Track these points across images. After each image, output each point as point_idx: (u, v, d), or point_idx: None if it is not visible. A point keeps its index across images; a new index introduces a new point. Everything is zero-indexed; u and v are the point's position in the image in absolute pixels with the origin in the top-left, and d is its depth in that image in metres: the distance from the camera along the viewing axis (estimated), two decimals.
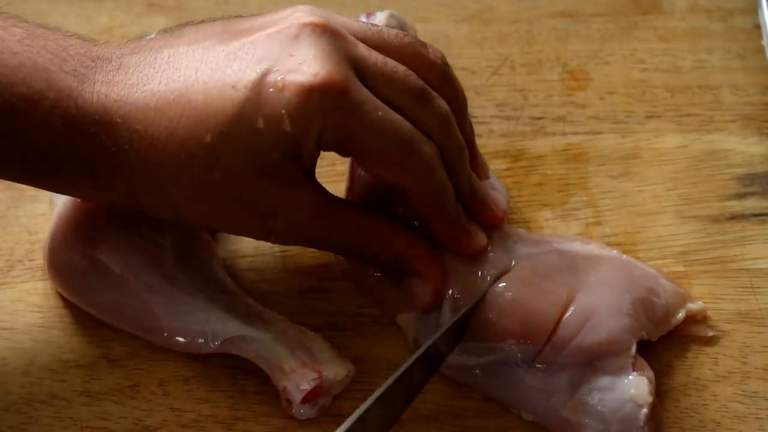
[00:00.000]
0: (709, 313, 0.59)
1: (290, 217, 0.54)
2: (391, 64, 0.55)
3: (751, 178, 0.65)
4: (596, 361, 0.54)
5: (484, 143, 0.67)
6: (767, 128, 0.67)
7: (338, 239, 0.56)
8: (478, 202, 0.58)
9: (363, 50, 0.54)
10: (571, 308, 0.55)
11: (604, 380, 0.54)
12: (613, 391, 0.54)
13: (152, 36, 0.55)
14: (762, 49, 0.71)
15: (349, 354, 0.57)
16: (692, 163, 0.66)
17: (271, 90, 0.51)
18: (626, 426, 0.54)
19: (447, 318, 0.56)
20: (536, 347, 0.55)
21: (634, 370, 0.54)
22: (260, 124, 0.51)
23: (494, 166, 0.66)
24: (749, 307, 0.60)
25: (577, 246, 0.59)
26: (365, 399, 0.47)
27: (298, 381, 0.54)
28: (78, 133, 0.52)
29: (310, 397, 0.55)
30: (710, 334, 0.58)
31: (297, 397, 0.54)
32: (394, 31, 0.57)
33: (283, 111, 0.51)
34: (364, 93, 0.53)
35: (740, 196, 0.64)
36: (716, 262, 0.61)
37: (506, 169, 0.66)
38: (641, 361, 0.55)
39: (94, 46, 0.55)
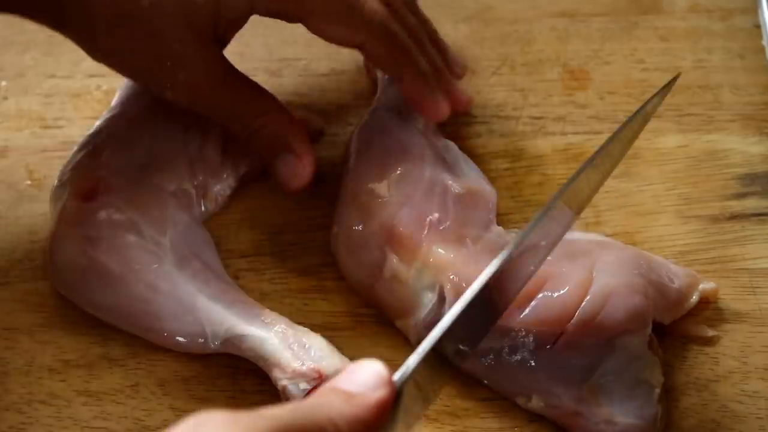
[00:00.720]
0: (709, 312, 0.59)
1: (191, 72, 0.57)
2: None
3: (751, 178, 0.65)
4: (615, 339, 0.54)
5: (484, 143, 0.67)
6: (767, 128, 0.67)
7: (229, 107, 0.59)
8: (439, 69, 0.61)
9: None
10: (592, 288, 0.55)
11: (620, 361, 0.54)
12: (627, 372, 0.54)
13: None
14: (762, 49, 0.71)
15: (349, 354, 0.57)
16: (692, 163, 0.66)
17: None
18: (639, 406, 0.54)
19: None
20: (558, 330, 0.55)
21: (649, 349, 0.55)
22: None
23: (494, 165, 0.66)
24: (749, 307, 0.60)
25: (578, 235, 0.59)
26: None
27: (298, 381, 0.54)
28: None
29: None
30: (710, 334, 0.58)
31: (297, 396, 0.54)
32: None
33: None
34: None
35: (740, 196, 0.64)
36: (716, 261, 0.61)
37: (506, 169, 0.66)
38: (655, 341, 0.56)
39: None
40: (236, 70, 0.60)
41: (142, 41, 0.57)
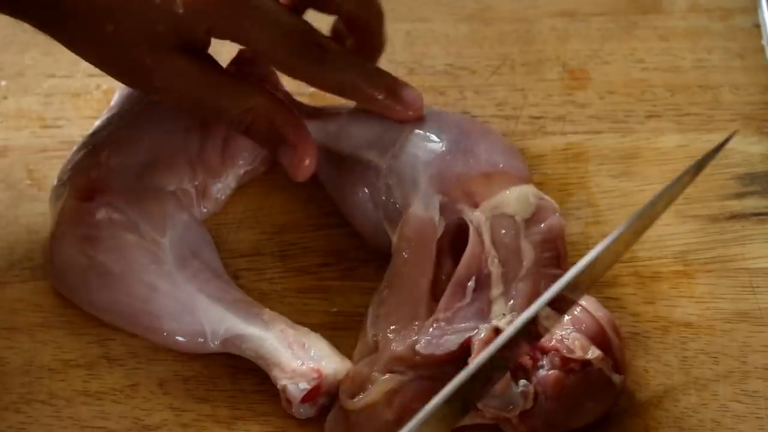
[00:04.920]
0: (709, 312, 0.59)
1: (166, 80, 0.57)
2: None
3: (751, 178, 0.65)
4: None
5: None
6: (767, 128, 0.67)
7: (214, 105, 0.58)
8: None
9: None
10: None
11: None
12: None
13: None
14: (762, 49, 0.71)
15: (349, 354, 0.57)
16: (692, 162, 0.66)
17: None
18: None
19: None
20: None
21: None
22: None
23: None
24: (749, 306, 0.60)
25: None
26: None
27: (298, 380, 0.54)
28: None
29: (309, 397, 0.55)
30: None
31: (297, 396, 0.54)
32: None
33: None
34: None
35: (740, 196, 0.64)
36: (716, 261, 0.61)
37: None
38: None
39: None
40: (214, 68, 0.59)
41: (116, 58, 0.57)
